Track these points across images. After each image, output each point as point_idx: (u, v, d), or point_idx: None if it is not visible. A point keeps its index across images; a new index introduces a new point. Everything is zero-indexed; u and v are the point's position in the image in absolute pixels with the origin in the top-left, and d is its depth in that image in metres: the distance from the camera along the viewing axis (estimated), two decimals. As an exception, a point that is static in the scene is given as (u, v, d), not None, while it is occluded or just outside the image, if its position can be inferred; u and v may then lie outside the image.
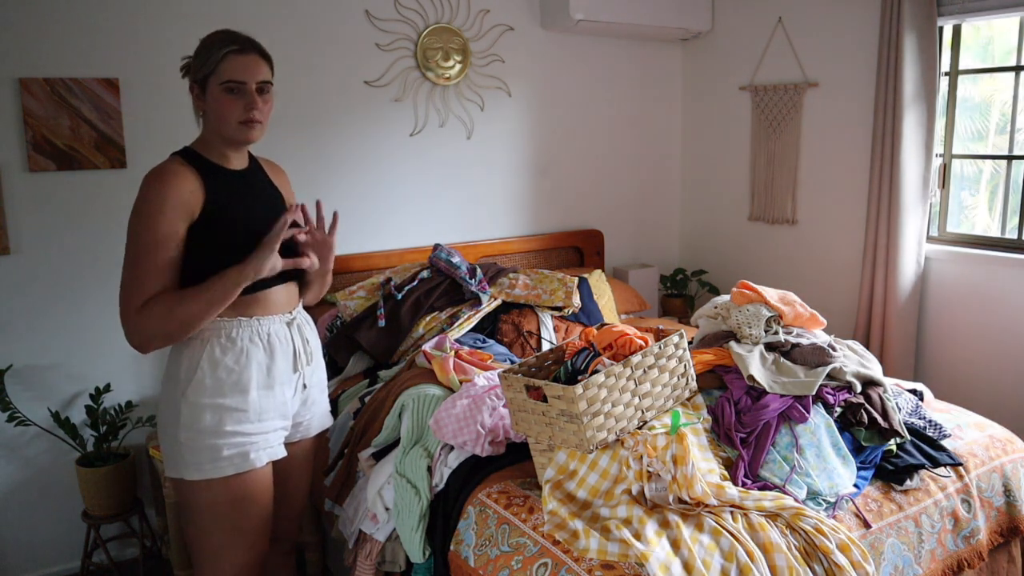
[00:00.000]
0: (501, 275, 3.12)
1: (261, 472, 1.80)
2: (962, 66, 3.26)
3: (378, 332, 2.83)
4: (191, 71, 1.79)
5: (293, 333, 1.86)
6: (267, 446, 1.80)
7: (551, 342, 2.93)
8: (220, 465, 1.72)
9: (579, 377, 1.93)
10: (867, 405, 2.14)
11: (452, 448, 2.13)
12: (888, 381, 2.33)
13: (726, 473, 1.93)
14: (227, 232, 1.75)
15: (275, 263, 1.75)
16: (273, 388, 1.80)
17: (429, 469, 2.11)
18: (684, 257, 4.46)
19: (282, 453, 1.85)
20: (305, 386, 1.91)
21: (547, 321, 3.02)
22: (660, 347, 2.00)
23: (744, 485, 1.90)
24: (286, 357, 1.83)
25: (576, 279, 3.16)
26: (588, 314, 3.15)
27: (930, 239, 3.39)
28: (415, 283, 2.98)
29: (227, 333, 1.74)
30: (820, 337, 2.37)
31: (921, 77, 3.17)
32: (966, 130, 3.35)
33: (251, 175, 1.88)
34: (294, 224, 1.82)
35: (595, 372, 1.90)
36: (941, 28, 3.21)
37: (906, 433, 2.13)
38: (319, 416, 2.02)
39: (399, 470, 2.14)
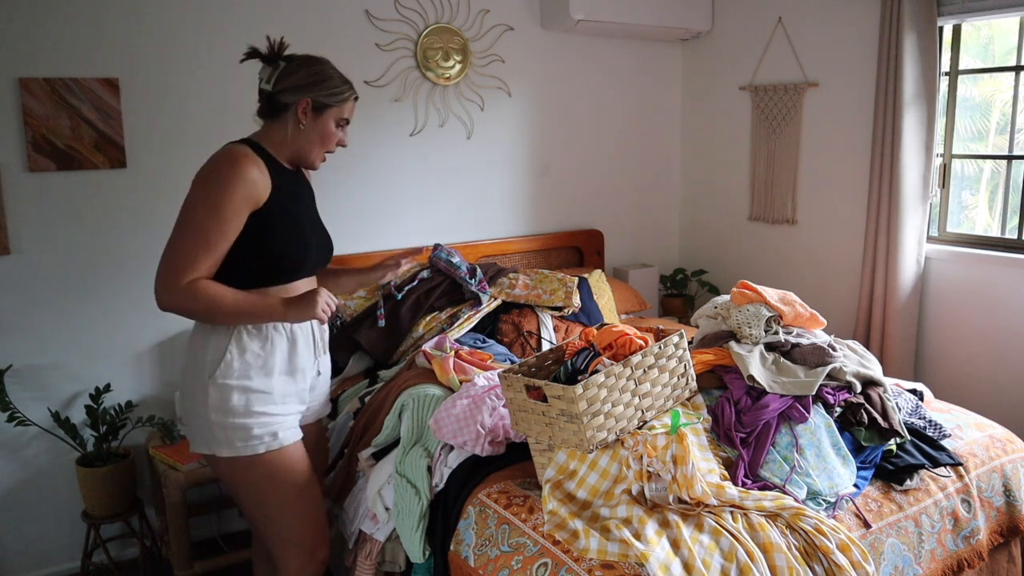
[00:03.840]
0: (501, 275, 3.12)
1: (292, 447, 1.90)
2: (962, 66, 3.26)
3: (378, 332, 2.83)
4: (310, 89, 1.84)
5: (312, 322, 1.95)
6: (291, 426, 1.91)
7: (551, 342, 2.93)
8: (251, 444, 1.82)
9: (579, 377, 1.93)
10: (867, 405, 2.14)
11: (452, 448, 2.13)
12: (888, 381, 2.33)
13: (726, 473, 1.93)
14: (283, 228, 1.84)
15: (316, 317, 1.81)
16: (294, 375, 1.91)
17: (429, 469, 2.11)
18: (684, 257, 4.46)
19: (300, 434, 1.95)
20: (319, 373, 2.02)
21: (547, 321, 3.02)
22: (660, 347, 1.99)
23: (744, 485, 1.90)
24: (307, 345, 1.93)
25: (576, 279, 3.16)
26: (588, 314, 3.15)
27: (930, 239, 3.39)
28: (415, 283, 2.98)
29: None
30: (820, 337, 2.37)
31: (921, 77, 3.17)
32: (966, 130, 3.35)
33: (300, 175, 2.00)
34: None
35: (595, 372, 1.90)
36: (941, 28, 3.21)
37: (906, 433, 2.13)
38: (322, 402, 2.12)
39: (399, 470, 2.14)
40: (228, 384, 1.79)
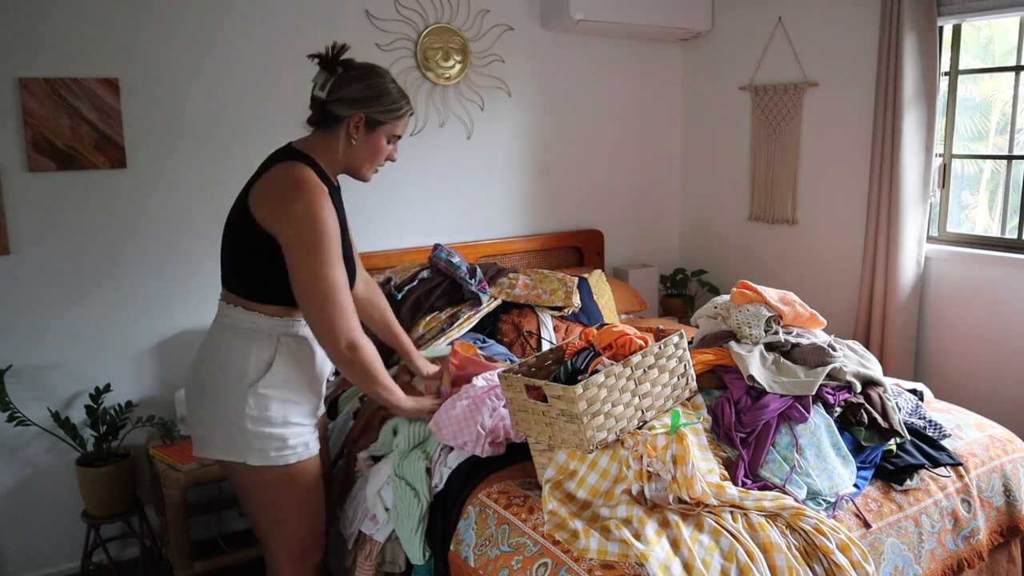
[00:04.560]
0: (501, 275, 3.12)
1: (316, 456, 1.96)
2: (962, 66, 3.26)
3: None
4: (364, 103, 1.82)
5: None
6: (315, 435, 1.96)
7: (551, 342, 2.93)
8: (284, 454, 1.84)
9: (579, 377, 1.93)
10: (867, 405, 2.14)
11: (452, 448, 2.13)
12: (888, 381, 2.33)
13: (726, 473, 1.93)
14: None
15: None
16: (322, 385, 1.99)
17: (428, 471, 2.11)
18: (684, 257, 4.46)
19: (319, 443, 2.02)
20: (337, 372, 2.13)
21: (547, 321, 3.02)
22: (660, 347, 1.99)
23: (744, 485, 1.90)
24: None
25: (576, 279, 3.16)
26: (588, 314, 3.15)
27: (930, 239, 3.39)
28: (415, 283, 2.97)
29: (299, 331, 1.88)
30: (820, 337, 2.37)
31: (921, 77, 3.17)
32: (966, 130, 3.35)
33: (339, 193, 2.00)
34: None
35: (595, 372, 1.90)
36: (941, 28, 3.21)
37: (906, 433, 2.12)
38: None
39: (397, 472, 2.13)
40: (269, 394, 1.80)
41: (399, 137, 1.92)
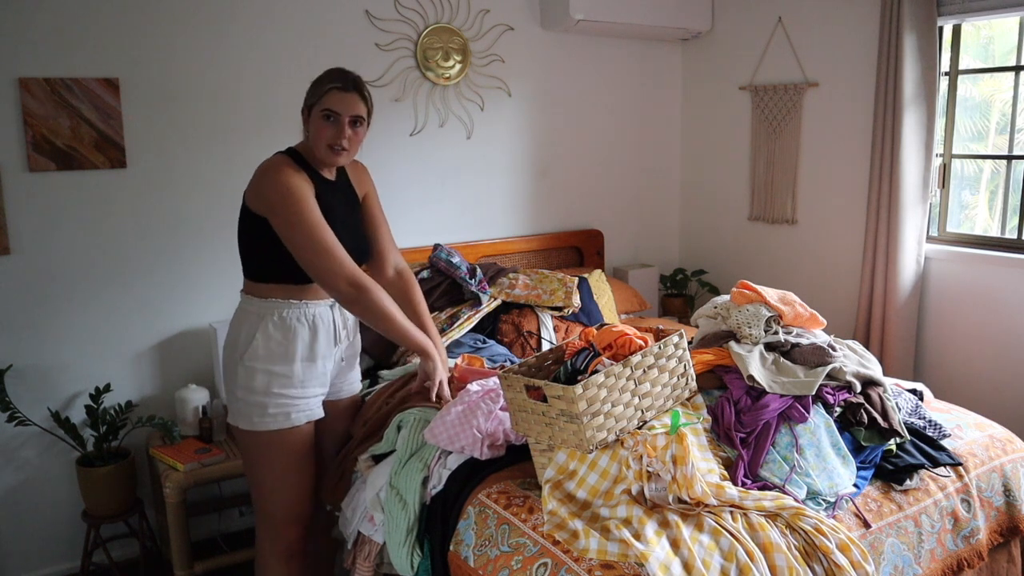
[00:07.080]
0: (501, 275, 3.12)
1: (302, 428, 2.11)
2: (962, 66, 3.26)
3: (378, 333, 2.82)
4: (306, 98, 2.06)
5: (335, 314, 2.15)
6: (307, 409, 2.11)
7: (551, 342, 2.93)
8: (265, 420, 2.04)
9: (579, 377, 1.93)
10: (867, 405, 2.14)
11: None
12: (888, 381, 2.33)
13: (726, 473, 1.93)
14: None
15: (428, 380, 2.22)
16: (315, 361, 2.09)
17: (425, 480, 2.10)
18: (684, 257, 4.46)
19: (320, 414, 2.17)
20: (343, 359, 2.23)
21: (547, 321, 3.02)
22: (660, 347, 1.99)
23: (744, 485, 1.90)
24: (327, 335, 2.12)
25: (576, 279, 3.16)
26: (588, 314, 3.15)
27: (930, 239, 3.39)
28: (415, 283, 2.97)
29: (279, 313, 2.04)
30: (820, 337, 2.37)
31: (921, 77, 3.17)
32: (966, 130, 3.35)
33: (340, 186, 2.18)
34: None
35: (595, 372, 1.90)
36: (941, 28, 3.21)
37: (906, 433, 2.12)
38: (353, 382, 2.35)
39: (393, 482, 2.13)
40: (255, 367, 2.01)
41: (337, 113, 1.99)
